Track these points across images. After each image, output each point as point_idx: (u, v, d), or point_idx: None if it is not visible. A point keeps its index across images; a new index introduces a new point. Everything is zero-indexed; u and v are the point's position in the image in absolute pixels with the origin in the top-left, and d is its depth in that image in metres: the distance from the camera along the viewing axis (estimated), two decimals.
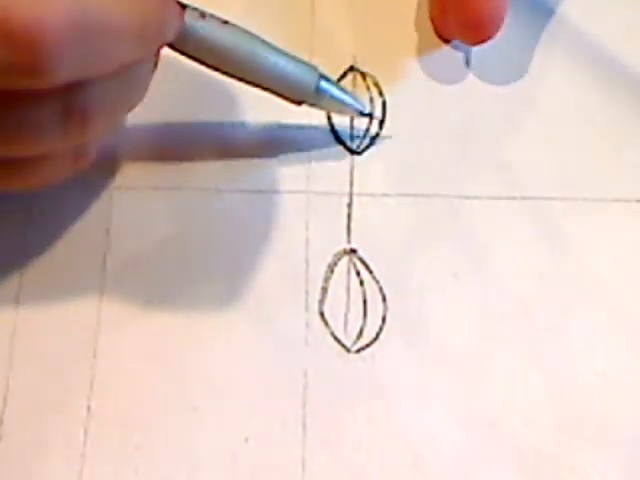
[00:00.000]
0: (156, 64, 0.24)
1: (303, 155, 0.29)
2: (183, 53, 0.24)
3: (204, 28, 0.24)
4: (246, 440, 0.26)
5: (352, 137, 0.29)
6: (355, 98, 0.28)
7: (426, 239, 0.28)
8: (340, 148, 0.29)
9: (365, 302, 0.27)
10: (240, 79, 0.25)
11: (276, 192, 0.28)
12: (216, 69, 0.25)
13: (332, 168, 0.29)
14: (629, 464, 0.26)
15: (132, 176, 0.28)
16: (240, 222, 0.28)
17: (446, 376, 0.27)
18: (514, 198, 0.29)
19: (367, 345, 0.27)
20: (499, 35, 0.28)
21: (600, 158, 0.29)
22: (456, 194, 0.29)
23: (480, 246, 0.28)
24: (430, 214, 0.28)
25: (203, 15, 0.24)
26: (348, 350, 0.27)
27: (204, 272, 0.27)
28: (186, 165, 0.29)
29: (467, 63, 0.30)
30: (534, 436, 0.26)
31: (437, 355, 0.27)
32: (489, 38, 0.28)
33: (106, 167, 0.28)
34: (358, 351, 0.27)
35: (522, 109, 0.30)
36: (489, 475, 0.26)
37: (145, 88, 0.24)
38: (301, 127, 0.29)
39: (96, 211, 0.28)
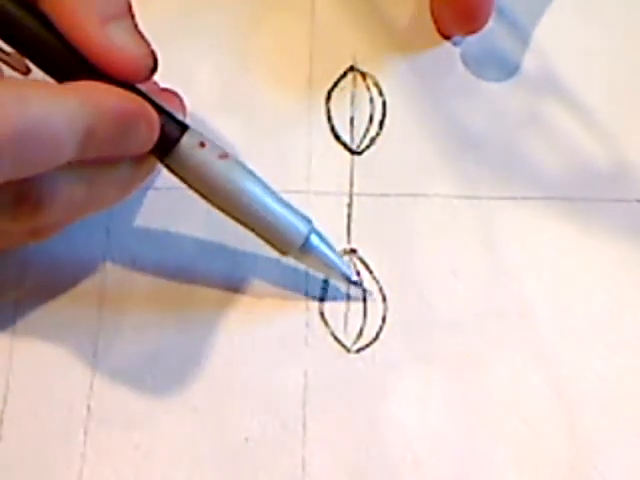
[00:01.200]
0: (148, 171, 0.24)
1: (303, 155, 0.29)
2: (175, 174, 0.23)
3: (200, 157, 0.23)
4: (246, 440, 0.26)
5: (352, 137, 0.29)
6: (344, 262, 0.26)
7: (426, 239, 0.28)
8: (340, 148, 0.29)
9: (365, 302, 0.27)
10: (227, 215, 0.24)
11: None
12: (202, 196, 0.24)
13: (332, 168, 0.29)
14: (629, 464, 0.26)
15: None
16: None
17: (446, 376, 0.27)
18: (514, 198, 0.29)
19: (367, 345, 0.27)
20: (498, 34, 0.28)
21: (600, 158, 0.29)
22: (456, 194, 0.29)
23: (480, 246, 0.28)
24: (430, 214, 0.28)
25: (203, 144, 0.23)
26: (348, 350, 0.27)
27: (204, 272, 0.27)
28: None
29: (465, 62, 0.30)
30: (534, 436, 0.26)
31: (437, 355, 0.27)
32: (481, 27, 0.28)
33: None
34: (358, 351, 0.27)
35: (522, 108, 0.30)
36: (489, 475, 0.26)
37: (123, 190, 0.23)
38: (302, 127, 0.29)
39: None
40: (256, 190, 0.24)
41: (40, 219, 0.21)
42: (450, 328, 0.27)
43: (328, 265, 0.26)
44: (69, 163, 0.20)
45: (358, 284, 0.27)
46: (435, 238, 0.28)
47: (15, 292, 0.27)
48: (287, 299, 0.27)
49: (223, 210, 0.24)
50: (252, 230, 0.24)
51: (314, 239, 0.25)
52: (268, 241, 0.25)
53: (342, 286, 0.27)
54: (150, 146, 0.22)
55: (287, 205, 0.24)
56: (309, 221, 0.25)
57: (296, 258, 0.26)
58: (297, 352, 0.27)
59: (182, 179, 0.23)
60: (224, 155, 0.23)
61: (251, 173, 0.24)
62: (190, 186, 0.24)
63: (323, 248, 0.25)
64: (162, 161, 0.23)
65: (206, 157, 0.23)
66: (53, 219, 0.22)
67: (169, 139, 0.22)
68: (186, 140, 0.23)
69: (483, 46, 0.30)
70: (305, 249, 0.25)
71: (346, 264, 0.27)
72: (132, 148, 0.22)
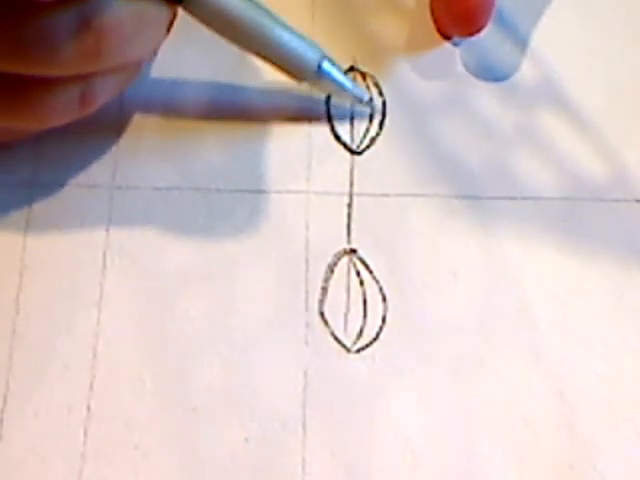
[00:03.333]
0: (172, 22, 0.25)
1: (303, 155, 0.29)
2: (193, 15, 0.24)
3: None
4: (246, 440, 0.26)
5: (352, 137, 0.29)
6: (355, 84, 0.28)
7: (426, 239, 0.28)
8: (340, 148, 0.29)
9: (365, 302, 0.27)
10: (244, 48, 0.26)
11: (276, 192, 0.28)
12: (222, 35, 0.25)
13: (332, 168, 0.29)
14: (629, 464, 0.26)
15: (132, 176, 0.28)
16: (240, 222, 0.28)
17: (446, 376, 0.27)
18: (514, 198, 0.29)
19: (367, 345, 0.27)
20: (498, 35, 0.28)
21: (600, 158, 0.29)
22: (456, 194, 0.29)
23: (480, 246, 0.28)
24: (430, 214, 0.28)
25: None
26: (348, 350, 0.27)
27: (204, 272, 0.27)
28: (186, 165, 0.29)
29: (464, 62, 0.30)
30: (534, 436, 0.26)
31: (437, 355, 0.27)
32: (480, 29, 0.28)
33: (107, 163, 0.28)
34: (358, 351, 0.27)
35: (522, 108, 0.30)
36: (489, 475, 0.26)
37: (158, 38, 0.25)
38: (302, 127, 0.29)
39: (96, 211, 0.28)
40: (270, 22, 0.25)
41: (101, 54, 0.22)
42: (450, 328, 0.27)
43: (341, 87, 0.28)
44: None
45: (369, 102, 0.29)
46: (435, 238, 0.28)
47: (15, 292, 0.27)
48: (287, 299, 0.27)
49: (239, 44, 0.25)
50: (270, 62, 0.26)
51: (326, 65, 0.27)
52: (284, 70, 0.26)
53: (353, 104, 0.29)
54: None
55: (298, 34, 0.26)
56: (319, 48, 0.27)
57: (311, 84, 0.27)
58: (297, 352, 0.27)
59: (200, 20, 0.25)
60: None
61: (262, 6, 0.25)
62: (208, 25, 0.25)
63: (335, 73, 0.27)
64: (180, 3, 0.24)
65: None
66: (110, 59, 0.23)
67: None
68: None
69: (483, 47, 0.30)
70: (319, 74, 0.27)
71: (357, 85, 0.29)
72: None
